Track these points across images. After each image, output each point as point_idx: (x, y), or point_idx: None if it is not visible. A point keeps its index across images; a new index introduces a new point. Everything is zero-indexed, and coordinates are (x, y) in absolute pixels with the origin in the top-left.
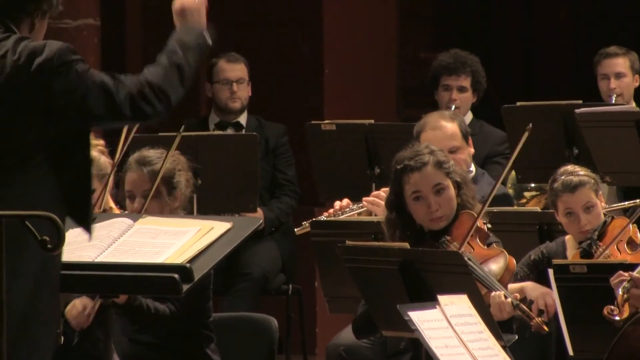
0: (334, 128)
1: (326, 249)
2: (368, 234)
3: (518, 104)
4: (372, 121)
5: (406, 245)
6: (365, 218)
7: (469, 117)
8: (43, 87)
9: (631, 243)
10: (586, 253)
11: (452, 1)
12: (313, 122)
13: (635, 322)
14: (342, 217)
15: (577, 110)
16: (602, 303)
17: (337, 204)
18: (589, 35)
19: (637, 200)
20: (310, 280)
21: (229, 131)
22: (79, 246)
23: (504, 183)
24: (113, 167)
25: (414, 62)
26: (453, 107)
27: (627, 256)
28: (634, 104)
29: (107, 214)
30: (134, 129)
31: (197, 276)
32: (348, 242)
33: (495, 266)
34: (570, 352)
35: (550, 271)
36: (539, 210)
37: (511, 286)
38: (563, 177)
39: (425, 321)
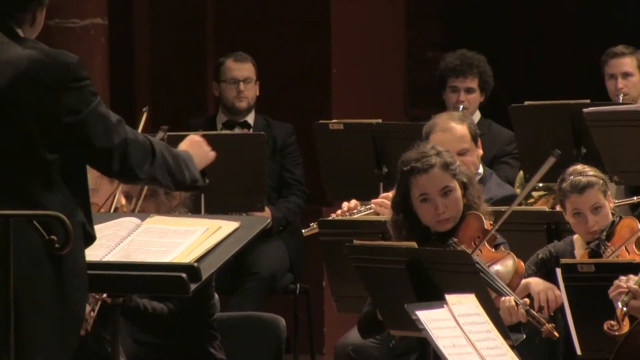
0: (342, 127)
1: (334, 248)
2: (376, 234)
3: (526, 103)
4: (380, 120)
5: (414, 244)
6: (373, 217)
7: (477, 116)
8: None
9: None
10: (594, 253)
11: (460, 0)
12: (321, 121)
13: None
14: (348, 217)
15: (585, 110)
16: (610, 303)
17: (345, 205)
18: (596, 35)
19: None
20: (318, 279)
21: (237, 130)
22: None
23: (512, 183)
24: None
25: (422, 62)
26: (461, 107)
27: (635, 256)
28: None
29: (114, 214)
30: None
31: (204, 275)
32: (356, 242)
33: (503, 269)
34: (578, 352)
35: (558, 270)
36: (547, 210)
37: None
38: (572, 177)
39: (433, 320)
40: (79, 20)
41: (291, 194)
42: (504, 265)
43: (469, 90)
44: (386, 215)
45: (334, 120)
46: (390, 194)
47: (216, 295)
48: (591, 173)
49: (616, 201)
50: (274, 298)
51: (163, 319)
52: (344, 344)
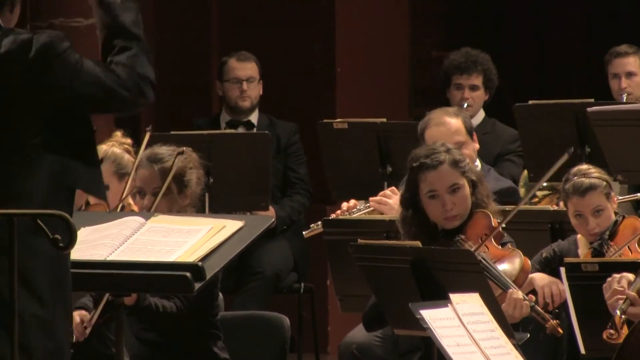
0: (346, 127)
1: (338, 247)
2: (380, 233)
3: (530, 102)
4: (384, 120)
5: (418, 243)
6: (377, 216)
7: (481, 115)
8: (35, 80)
9: None
10: (597, 253)
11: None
12: (325, 120)
13: None
14: (354, 216)
15: (589, 109)
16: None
17: (345, 205)
18: (600, 34)
19: None
20: (322, 278)
21: (240, 130)
22: (90, 245)
23: (516, 181)
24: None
25: (427, 61)
26: (465, 105)
27: (638, 255)
28: None
29: (118, 213)
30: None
31: (209, 275)
32: (360, 241)
33: (510, 266)
34: (582, 351)
35: (562, 269)
36: (551, 209)
37: None
38: (575, 178)
39: (437, 319)
40: (84, 20)
41: (295, 193)
42: (511, 263)
43: (473, 88)
44: (386, 212)
45: (338, 120)
46: (388, 191)
47: (220, 295)
48: (595, 175)
49: (619, 197)
50: (278, 297)
51: (170, 318)
52: (348, 343)
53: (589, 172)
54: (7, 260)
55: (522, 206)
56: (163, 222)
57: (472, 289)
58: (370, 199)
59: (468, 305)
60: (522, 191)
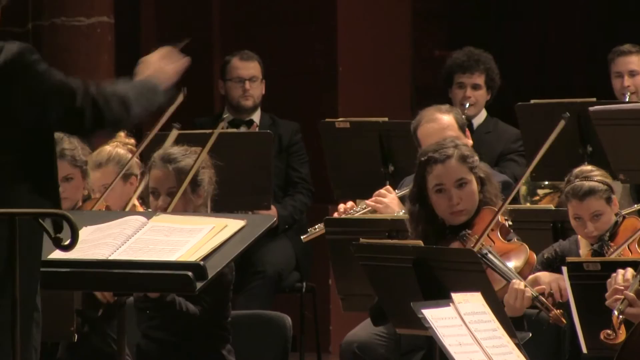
0: (348, 126)
1: (340, 247)
2: (382, 232)
3: (532, 101)
4: (386, 119)
5: (420, 242)
6: (379, 216)
7: (483, 114)
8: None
9: None
10: (597, 254)
11: None
12: (327, 120)
13: None
14: (356, 215)
15: (591, 108)
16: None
17: (341, 206)
18: (603, 33)
19: None
20: (324, 278)
21: (243, 129)
22: (92, 244)
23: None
24: (130, 161)
25: (429, 60)
26: (467, 104)
27: (638, 255)
28: None
29: (120, 212)
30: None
31: (210, 274)
32: (362, 240)
33: (516, 260)
34: (584, 350)
35: (564, 269)
36: (553, 208)
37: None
38: (577, 179)
39: (439, 319)
40: (85, 19)
41: (297, 192)
42: (516, 256)
43: (475, 87)
44: (383, 211)
45: (340, 119)
46: (383, 190)
47: None
48: (597, 178)
49: (622, 212)
50: (280, 296)
51: (189, 320)
52: (350, 342)
53: (591, 175)
54: None
55: (523, 206)
56: (165, 222)
57: (474, 289)
58: (366, 201)
59: (470, 304)
60: (523, 189)
